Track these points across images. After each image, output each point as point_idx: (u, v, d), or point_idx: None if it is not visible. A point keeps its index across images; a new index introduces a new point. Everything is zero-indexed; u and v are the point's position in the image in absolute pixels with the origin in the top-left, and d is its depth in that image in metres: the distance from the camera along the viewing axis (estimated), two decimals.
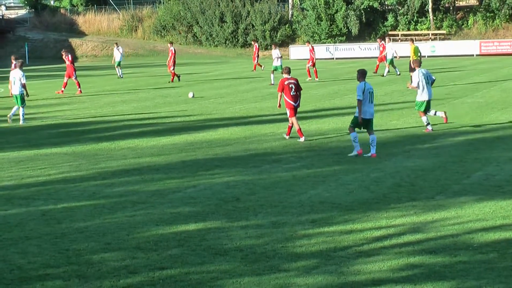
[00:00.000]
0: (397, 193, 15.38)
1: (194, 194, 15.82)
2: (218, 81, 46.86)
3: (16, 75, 29.24)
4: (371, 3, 75.60)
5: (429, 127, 23.69)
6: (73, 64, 42.24)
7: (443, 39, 72.21)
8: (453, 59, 62.11)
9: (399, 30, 74.99)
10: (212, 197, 15.52)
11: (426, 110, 23.78)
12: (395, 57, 45.71)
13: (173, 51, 46.94)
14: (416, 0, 73.74)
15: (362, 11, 75.49)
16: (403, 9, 75.48)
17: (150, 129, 26.35)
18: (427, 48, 68.03)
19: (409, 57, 38.61)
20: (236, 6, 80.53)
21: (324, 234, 12.50)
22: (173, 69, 46.85)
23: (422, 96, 23.61)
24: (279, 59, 43.89)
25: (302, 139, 22.46)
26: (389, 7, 77.93)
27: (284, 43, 77.76)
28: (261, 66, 52.97)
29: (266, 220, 13.52)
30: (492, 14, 73.13)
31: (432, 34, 73.38)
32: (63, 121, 29.31)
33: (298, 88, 22.69)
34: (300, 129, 22.64)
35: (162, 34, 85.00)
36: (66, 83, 41.87)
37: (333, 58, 69.79)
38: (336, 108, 30.35)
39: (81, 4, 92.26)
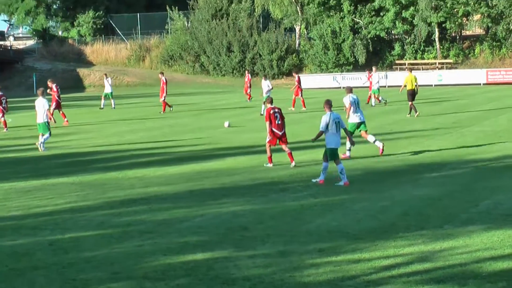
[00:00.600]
0: (405, 221, 15.33)
1: (201, 224, 15.79)
2: (226, 110, 46.94)
3: (39, 104, 29.90)
4: (378, 33, 75.86)
5: (379, 144, 24.96)
6: (58, 94, 42.13)
7: (450, 68, 72.34)
8: (460, 88, 62.15)
9: (406, 59, 75.17)
10: (219, 226, 15.49)
11: (354, 131, 25.04)
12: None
13: (164, 81, 46.95)
14: (423, 30, 73.96)
15: (369, 40, 75.73)
16: (410, 38, 75.72)
17: (157, 158, 26.37)
18: (434, 77, 68.18)
19: (411, 86, 38.21)
20: (243, 36, 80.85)
21: (332, 263, 12.45)
22: (164, 99, 46.79)
23: (353, 118, 25.02)
24: (270, 91, 43.77)
25: (270, 165, 23.33)
26: (396, 37, 78.17)
27: (291, 73, 77.96)
28: (250, 97, 53.01)
29: (274, 250, 13.48)
30: (498, 43, 73.29)
31: (439, 63, 73.53)
32: (70, 151, 29.35)
33: (282, 116, 23.22)
34: (270, 156, 23.39)
35: (170, 63, 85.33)
36: (63, 114, 41.77)
37: (340, 87, 69.91)
38: (343, 137, 30.25)
39: (89, 34, 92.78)
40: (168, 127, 37.29)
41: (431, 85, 66.57)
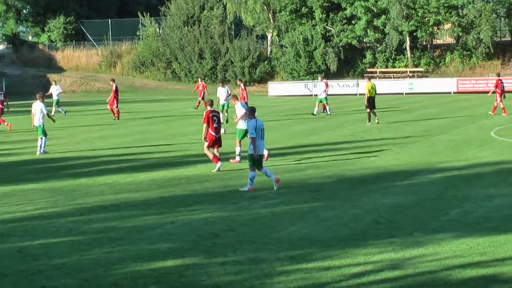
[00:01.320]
0: (375, 229, 15.39)
1: (172, 231, 15.75)
2: (197, 117, 46.84)
3: (37, 107, 30.35)
4: (349, 41, 76.14)
5: (238, 158, 25.60)
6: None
7: (421, 77, 72.76)
8: (431, 97, 62.53)
9: (377, 68, 75.52)
10: (190, 233, 15.46)
11: (241, 138, 25.53)
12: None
13: (114, 89, 46.82)
14: (394, 38, 74.35)
15: (341, 49, 76.01)
16: (381, 46, 76.07)
17: (128, 165, 26.27)
18: (405, 85, 68.53)
19: (371, 93, 38.94)
20: (215, 43, 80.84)
21: (302, 271, 12.47)
22: (117, 106, 46.56)
23: (241, 125, 25.29)
24: (228, 98, 43.50)
25: (219, 164, 24.03)
26: (368, 45, 78.53)
27: (263, 80, 78.09)
28: (198, 105, 53.04)
29: (245, 257, 13.48)
30: (468, 53, 73.86)
31: (410, 72, 73.93)
32: (40, 157, 29.16)
33: (219, 120, 24.32)
34: (214, 157, 24.11)
35: (141, 70, 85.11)
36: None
37: (311, 95, 70.08)
38: (314, 145, 30.42)
39: (60, 40, 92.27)
40: (139, 134, 37.18)
41: (402, 94, 66.94)
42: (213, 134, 23.86)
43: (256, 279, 12.05)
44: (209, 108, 24.13)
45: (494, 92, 42.51)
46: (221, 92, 43.35)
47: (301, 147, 29.95)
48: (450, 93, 66.63)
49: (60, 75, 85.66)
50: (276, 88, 73.30)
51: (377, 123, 38.12)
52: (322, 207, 17.87)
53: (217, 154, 24.21)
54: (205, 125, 23.71)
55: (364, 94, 40.77)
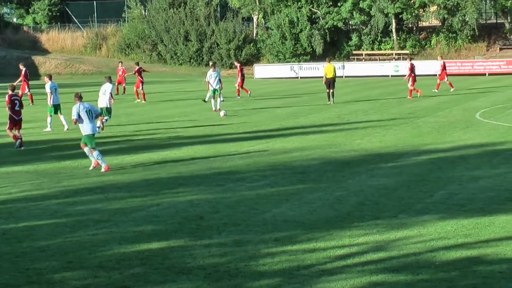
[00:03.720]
0: (360, 211, 15.42)
1: (157, 213, 15.74)
2: (183, 100, 46.79)
3: (106, 88, 31.61)
4: (335, 23, 76.03)
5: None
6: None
7: (406, 59, 72.70)
8: (417, 79, 62.48)
9: (363, 50, 75.47)
10: (175, 215, 15.45)
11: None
12: None
13: (24, 73, 46.57)
14: (379, 20, 74.30)
15: (327, 31, 75.88)
16: (367, 29, 76.02)
17: (113, 147, 26.20)
18: (390, 67, 68.51)
19: (331, 75, 40.76)
20: (200, 25, 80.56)
21: (287, 253, 12.48)
22: (29, 91, 46.17)
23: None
24: (218, 82, 42.36)
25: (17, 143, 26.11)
26: (353, 27, 78.41)
27: (248, 62, 77.90)
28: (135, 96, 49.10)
29: (230, 239, 13.47)
30: (454, 35, 73.90)
31: (396, 54, 73.93)
32: (25, 139, 28.99)
33: (21, 104, 26.61)
34: (14, 136, 26.28)
35: (127, 52, 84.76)
36: None
37: (297, 77, 70.06)
38: (300, 127, 30.41)
39: (45, 22, 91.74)
40: (124, 116, 37.07)
41: (388, 76, 66.97)
42: (14, 116, 26.06)
43: (241, 261, 12.05)
44: (10, 92, 26.42)
45: (410, 76, 43.64)
46: (212, 76, 38.42)
47: (287, 129, 29.94)
48: (436, 75, 66.67)
49: (45, 57, 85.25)
50: (262, 70, 73.18)
51: (333, 103, 40.08)
52: (308, 189, 17.88)
53: (18, 134, 26.21)
54: (8, 107, 26.07)
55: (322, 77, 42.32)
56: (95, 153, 21.05)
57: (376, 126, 30.00)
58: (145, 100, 45.72)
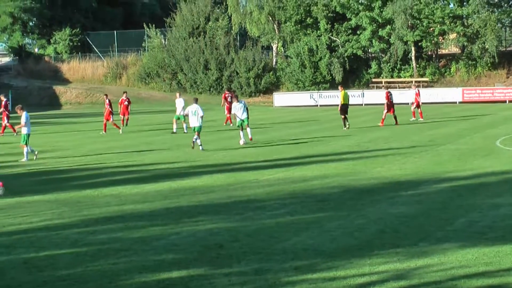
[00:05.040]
0: (380, 239, 15.37)
1: (177, 241, 15.75)
2: (202, 128, 46.84)
3: (197, 109, 33.88)
4: (354, 51, 76.16)
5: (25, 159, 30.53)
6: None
7: (426, 87, 72.72)
8: (436, 106, 62.50)
9: (382, 78, 75.50)
10: (195, 244, 15.46)
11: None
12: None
13: (4, 103, 46.61)
14: (399, 48, 74.37)
15: (346, 59, 76.02)
16: (386, 56, 76.08)
17: (134, 176, 26.30)
18: (410, 95, 68.37)
19: (344, 101, 42.76)
20: (220, 54, 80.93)
21: (307, 281, 12.45)
22: (8, 121, 46.27)
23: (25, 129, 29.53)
24: (183, 109, 42.86)
25: None
26: (373, 55, 78.51)
27: (268, 90, 78.11)
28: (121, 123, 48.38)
29: (249, 267, 13.46)
30: (474, 62, 73.81)
31: (415, 82, 73.87)
32: (46, 169, 29.21)
33: None
34: None
35: (147, 81, 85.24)
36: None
37: (317, 105, 70.14)
38: (320, 155, 30.41)
39: (66, 52, 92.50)
40: (145, 145, 37.21)
41: (407, 103, 66.84)
42: None
43: None
44: None
45: (390, 105, 44.39)
46: (237, 108, 37.07)
47: (307, 157, 29.94)
48: (456, 102, 66.59)
49: (66, 87, 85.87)
50: (281, 98, 73.33)
51: (348, 128, 41.66)
52: (327, 217, 17.85)
53: None
54: None
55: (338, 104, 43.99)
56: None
57: (396, 153, 29.94)
58: (125, 124, 46.28)
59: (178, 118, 43.30)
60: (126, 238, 16.24)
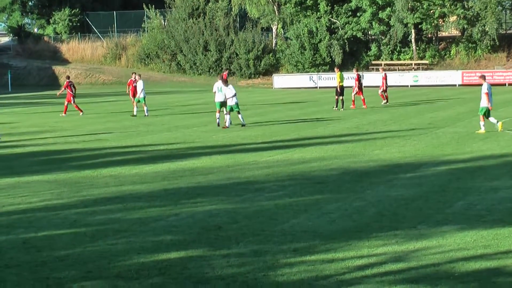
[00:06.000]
0: (379, 222, 15.39)
1: (176, 223, 15.77)
2: (201, 110, 46.89)
3: (222, 86, 35.13)
4: (354, 33, 76.05)
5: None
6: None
7: (426, 69, 72.67)
8: (436, 89, 62.46)
9: (382, 60, 75.41)
10: (194, 225, 15.48)
11: None
12: None
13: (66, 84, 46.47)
14: (399, 30, 74.24)
15: (346, 41, 75.91)
16: (386, 39, 75.95)
17: (132, 157, 26.30)
18: (409, 77, 68.44)
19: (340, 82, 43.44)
20: (220, 35, 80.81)
21: (305, 263, 12.48)
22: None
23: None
24: (143, 91, 43.14)
25: None
26: (373, 37, 78.40)
27: (268, 72, 78.04)
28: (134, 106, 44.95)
29: (248, 249, 13.49)
30: (474, 45, 73.70)
31: (415, 64, 73.83)
32: (45, 149, 29.21)
33: None
34: None
35: (146, 62, 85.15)
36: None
37: (316, 87, 70.09)
38: (319, 137, 30.41)
39: (65, 32, 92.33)
40: (143, 126, 37.21)
41: (407, 86, 66.87)
42: None
43: (259, 272, 12.06)
44: None
45: (359, 88, 44.60)
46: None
47: (306, 139, 29.94)
48: (455, 85, 66.53)
49: (65, 67, 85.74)
50: (281, 80, 73.29)
51: (338, 109, 42.83)
52: (326, 200, 17.87)
53: None
54: None
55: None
56: None
57: (395, 136, 29.94)
58: (82, 112, 44.91)
59: (139, 101, 43.15)
60: (124, 219, 16.26)
